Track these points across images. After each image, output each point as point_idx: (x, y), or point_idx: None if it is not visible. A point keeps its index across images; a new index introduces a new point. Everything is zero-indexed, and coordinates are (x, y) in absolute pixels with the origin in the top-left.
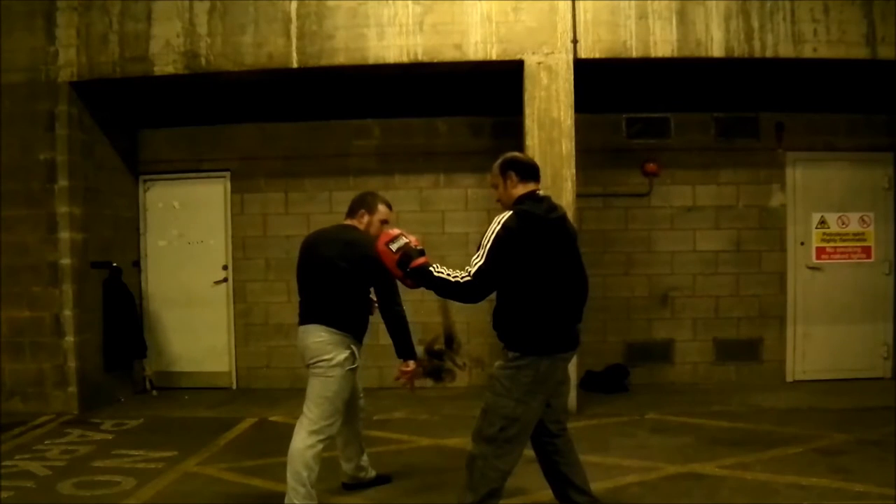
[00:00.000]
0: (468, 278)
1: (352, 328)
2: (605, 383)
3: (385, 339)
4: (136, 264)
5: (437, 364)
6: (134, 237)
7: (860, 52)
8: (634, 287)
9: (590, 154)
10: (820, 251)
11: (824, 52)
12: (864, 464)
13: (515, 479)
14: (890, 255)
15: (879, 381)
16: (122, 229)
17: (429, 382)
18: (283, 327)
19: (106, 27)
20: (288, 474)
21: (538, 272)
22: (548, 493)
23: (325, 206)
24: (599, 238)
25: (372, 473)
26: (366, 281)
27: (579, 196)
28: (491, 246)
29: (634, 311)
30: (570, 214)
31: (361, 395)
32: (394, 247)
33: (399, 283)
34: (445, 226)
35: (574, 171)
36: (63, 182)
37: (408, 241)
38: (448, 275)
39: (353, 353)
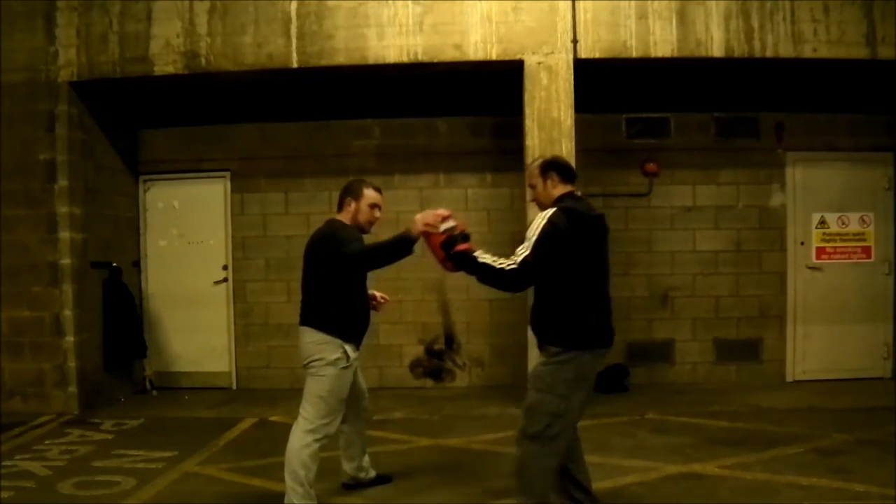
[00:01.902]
0: (514, 266)
1: (341, 329)
2: (605, 383)
3: (385, 339)
4: (136, 264)
5: (437, 364)
6: (134, 237)
7: (860, 52)
8: (634, 287)
9: (590, 154)
10: (820, 251)
11: (824, 52)
12: (864, 464)
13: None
14: (890, 255)
15: (879, 381)
16: (122, 229)
17: (429, 382)
18: (283, 327)
19: (106, 27)
20: (286, 474)
21: (582, 267)
22: None
23: (325, 206)
24: None
25: (372, 474)
26: (342, 269)
27: None
28: (537, 239)
29: (634, 311)
30: None
31: (366, 395)
32: (441, 227)
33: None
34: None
35: None
36: (63, 182)
37: (455, 224)
38: (493, 262)
39: (345, 353)
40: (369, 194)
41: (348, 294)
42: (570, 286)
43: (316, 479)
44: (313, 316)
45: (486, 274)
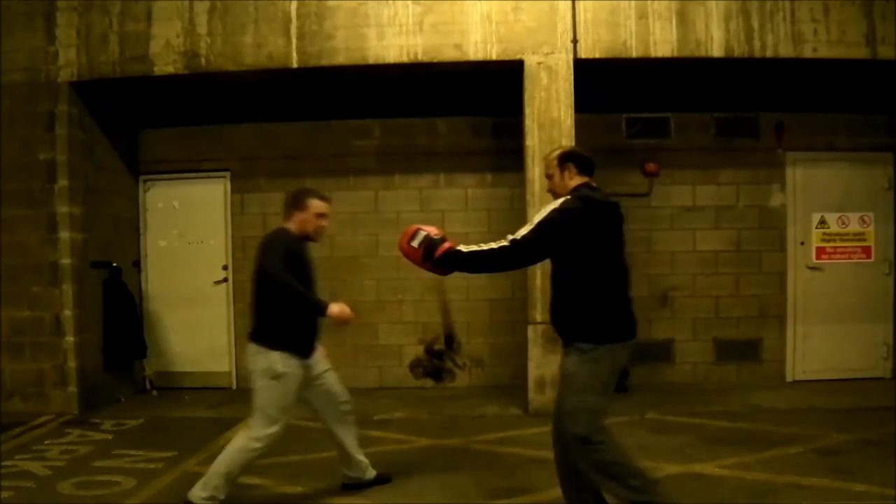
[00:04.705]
0: (505, 244)
1: (268, 338)
2: None
3: (385, 339)
4: (136, 264)
5: (437, 364)
6: (134, 237)
7: (860, 52)
8: (634, 287)
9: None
10: (820, 251)
11: (824, 52)
12: (864, 464)
13: (516, 479)
14: (890, 255)
15: (879, 381)
16: (122, 229)
17: (429, 382)
18: None
19: (106, 27)
20: (214, 464)
21: (603, 256)
22: (548, 494)
23: None
24: None
25: (372, 473)
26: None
27: None
28: (542, 222)
29: (634, 311)
30: None
31: (344, 397)
32: (415, 243)
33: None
34: (445, 226)
35: None
36: (63, 182)
37: (426, 233)
38: (478, 248)
39: (275, 363)
40: (315, 204)
41: (279, 302)
42: (592, 277)
43: (315, 479)
44: (252, 325)
45: (477, 261)
